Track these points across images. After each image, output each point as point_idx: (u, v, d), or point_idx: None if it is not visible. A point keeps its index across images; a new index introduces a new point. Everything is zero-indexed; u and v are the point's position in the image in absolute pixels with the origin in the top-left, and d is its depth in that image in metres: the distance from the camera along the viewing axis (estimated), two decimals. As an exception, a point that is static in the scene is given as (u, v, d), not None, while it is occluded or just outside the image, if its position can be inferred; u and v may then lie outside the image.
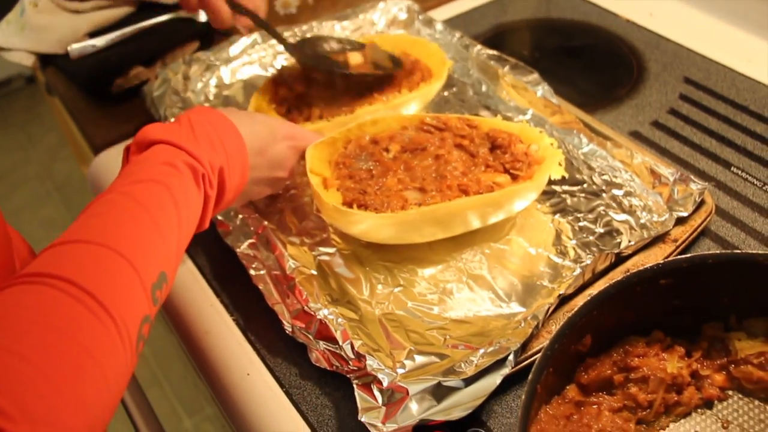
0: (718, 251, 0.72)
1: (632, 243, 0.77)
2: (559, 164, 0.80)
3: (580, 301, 0.74)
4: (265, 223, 0.82)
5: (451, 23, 1.21)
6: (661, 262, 0.65)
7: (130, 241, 0.54)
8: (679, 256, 0.66)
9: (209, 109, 0.71)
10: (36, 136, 3.08)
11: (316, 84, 0.95)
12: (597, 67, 1.13)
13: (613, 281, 0.63)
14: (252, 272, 0.78)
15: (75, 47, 1.10)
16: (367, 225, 0.75)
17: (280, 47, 1.11)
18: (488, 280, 0.77)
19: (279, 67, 1.08)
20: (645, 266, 0.64)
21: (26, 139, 3.06)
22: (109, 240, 0.53)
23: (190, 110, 0.70)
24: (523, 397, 0.56)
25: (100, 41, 1.10)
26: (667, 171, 0.83)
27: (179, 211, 0.60)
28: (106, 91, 1.10)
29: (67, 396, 0.45)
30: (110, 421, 0.52)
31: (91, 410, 0.47)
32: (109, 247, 0.53)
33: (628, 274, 0.64)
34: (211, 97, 1.05)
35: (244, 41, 1.10)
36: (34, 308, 0.48)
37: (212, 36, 1.18)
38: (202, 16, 1.10)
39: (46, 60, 1.20)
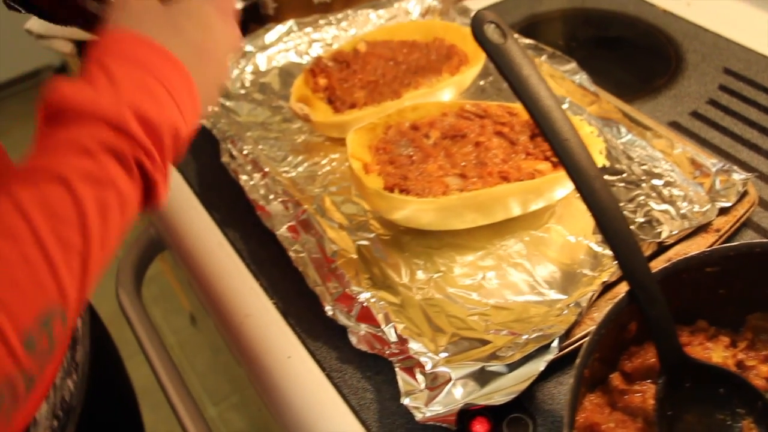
0: (765, 240, 0.71)
1: (674, 232, 0.77)
2: (600, 153, 0.80)
3: (622, 288, 0.73)
4: (305, 206, 0.82)
5: (486, 12, 1.20)
6: (708, 249, 0.64)
7: None
8: (725, 245, 0.65)
9: (119, 38, 0.53)
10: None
11: (355, 71, 0.95)
12: (633, 58, 1.12)
13: (660, 268, 0.62)
14: (292, 255, 0.78)
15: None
16: (409, 210, 0.75)
17: (316, 35, 1.11)
18: (527, 267, 0.77)
19: (315, 56, 1.08)
20: (691, 254, 0.64)
21: (54, 129, 3.09)
22: None
23: (99, 48, 0.52)
24: (572, 381, 0.56)
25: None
26: (708, 161, 0.83)
27: (85, 218, 0.46)
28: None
29: None
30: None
31: None
32: None
33: (675, 260, 0.63)
34: (248, 84, 1.05)
35: (279, 29, 1.10)
36: None
37: (247, 24, 1.18)
38: (239, 4, 1.10)
39: (83, 47, 1.21)
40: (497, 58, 0.60)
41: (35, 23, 1.19)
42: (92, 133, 0.48)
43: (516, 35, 1.04)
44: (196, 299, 1.24)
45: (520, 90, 0.60)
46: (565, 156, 0.59)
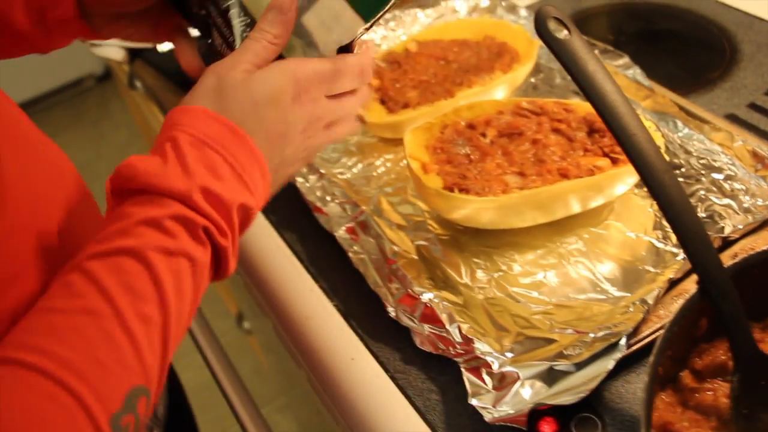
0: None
1: (738, 227, 0.75)
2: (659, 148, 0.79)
3: (688, 284, 0.72)
4: (363, 207, 0.82)
5: (533, 9, 1.19)
6: (780, 244, 0.63)
7: (78, 359, 0.43)
8: (797, 238, 0.64)
9: (195, 113, 0.53)
10: (107, 133, 3.15)
11: (406, 71, 0.95)
12: (686, 51, 1.11)
13: (731, 263, 0.61)
14: (352, 256, 0.78)
15: (163, 40, 1.12)
16: (470, 209, 0.75)
17: (365, 36, 1.11)
18: (588, 265, 0.76)
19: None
20: (762, 248, 0.62)
21: (98, 136, 3.14)
22: (48, 361, 0.42)
23: (173, 126, 0.52)
24: (646, 379, 0.55)
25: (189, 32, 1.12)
26: (771, 153, 0.81)
27: (163, 292, 0.47)
28: (195, 82, 1.11)
29: None
30: None
31: None
32: (45, 372, 0.42)
33: (747, 256, 0.62)
34: (298, 87, 1.06)
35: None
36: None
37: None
38: None
39: (133, 54, 1.23)
40: (562, 54, 0.60)
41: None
42: (163, 208, 0.48)
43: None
44: (245, 301, 1.25)
45: (586, 86, 0.59)
46: (633, 150, 0.58)
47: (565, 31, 0.61)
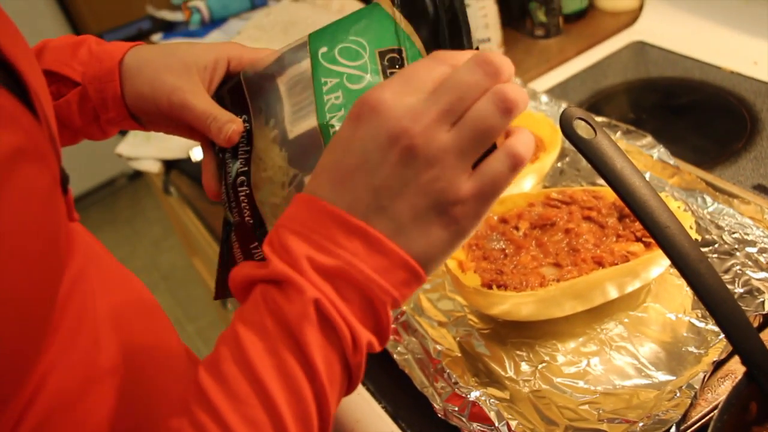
0: None
1: (778, 302, 0.76)
2: (690, 227, 0.80)
3: (734, 365, 0.72)
4: (404, 307, 0.84)
5: (552, 93, 1.23)
6: (821, 322, 0.63)
7: None
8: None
9: (299, 214, 0.47)
10: (141, 230, 3.22)
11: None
12: (707, 123, 1.13)
13: (775, 345, 0.62)
14: (396, 357, 0.79)
15: (196, 152, 1.16)
16: (509, 305, 0.76)
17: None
18: (631, 349, 0.77)
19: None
20: (804, 328, 0.63)
21: (132, 233, 3.21)
22: None
23: (281, 235, 0.46)
24: (701, 473, 0.55)
25: (220, 143, 1.16)
26: (802, 225, 0.82)
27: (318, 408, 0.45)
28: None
29: None
30: None
31: None
32: None
33: (789, 337, 0.62)
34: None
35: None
36: None
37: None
38: None
39: (169, 164, 1.27)
40: (589, 153, 0.62)
41: (125, 148, 1.26)
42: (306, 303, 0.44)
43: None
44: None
45: (615, 183, 0.61)
46: (667, 243, 0.59)
47: (590, 129, 0.63)
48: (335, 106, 0.57)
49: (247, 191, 0.62)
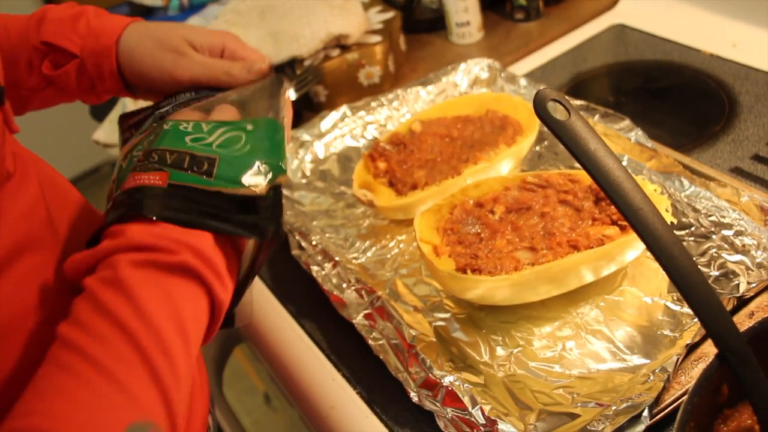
0: None
1: (753, 285, 0.76)
2: (666, 210, 0.79)
3: (707, 348, 0.72)
4: (379, 292, 0.83)
5: (532, 77, 1.22)
6: (793, 304, 0.63)
7: (71, 412, 0.46)
8: (810, 297, 0.64)
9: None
10: (125, 219, 3.19)
11: (413, 152, 0.97)
12: (686, 106, 1.12)
13: (747, 328, 0.62)
14: (371, 343, 0.79)
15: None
16: (483, 289, 0.76)
17: (369, 117, 1.14)
18: (606, 333, 0.77)
19: (370, 138, 1.11)
20: (776, 310, 0.63)
21: (117, 222, 3.18)
22: (43, 416, 0.46)
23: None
24: (671, 455, 0.55)
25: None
26: (778, 207, 0.82)
27: (139, 343, 0.49)
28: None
29: None
30: None
31: None
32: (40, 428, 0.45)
33: (761, 320, 0.62)
34: (308, 173, 1.08)
35: (333, 115, 1.13)
36: None
37: (301, 113, 1.22)
38: (293, 95, 1.14)
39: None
40: (563, 135, 0.61)
41: (101, 134, 1.25)
42: (118, 263, 0.52)
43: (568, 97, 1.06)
44: (271, 382, 1.26)
45: (588, 165, 0.61)
46: (640, 226, 0.59)
47: (564, 111, 0.63)
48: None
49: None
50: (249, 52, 0.75)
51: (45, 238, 0.58)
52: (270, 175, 0.60)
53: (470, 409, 0.69)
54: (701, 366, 0.71)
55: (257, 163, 0.60)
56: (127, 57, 0.74)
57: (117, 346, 0.49)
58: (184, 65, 0.73)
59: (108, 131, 1.25)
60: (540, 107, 0.63)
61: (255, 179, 0.59)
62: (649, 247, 0.59)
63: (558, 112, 0.63)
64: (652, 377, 0.69)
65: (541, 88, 0.64)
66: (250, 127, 0.64)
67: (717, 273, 0.79)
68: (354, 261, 0.91)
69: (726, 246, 0.81)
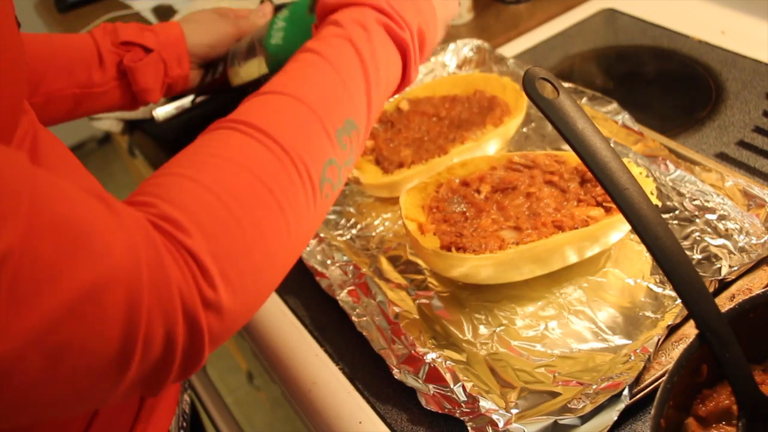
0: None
1: (735, 268, 0.76)
2: (651, 193, 0.80)
3: (688, 329, 0.73)
4: (363, 269, 0.83)
5: (521, 59, 1.22)
6: (774, 287, 0.64)
7: (311, 90, 0.59)
8: (791, 280, 0.65)
9: None
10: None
11: (400, 130, 0.97)
12: (673, 91, 1.13)
13: (727, 309, 0.62)
14: (355, 319, 0.79)
15: (159, 111, 1.14)
16: (467, 267, 0.76)
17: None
18: (589, 314, 0.77)
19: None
20: (757, 292, 0.63)
21: (101, 198, 3.16)
22: (291, 89, 0.58)
23: None
24: (649, 433, 0.55)
25: (183, 103, 1.14)
26: (762, 192, 0.82)
27: (364, 62, 0.63)
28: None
29: (239, 216, 0.49)
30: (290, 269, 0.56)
31: (267, 238, 0.50)
32: (291, 95, 0.57)
33: (741, 301, 0.63)
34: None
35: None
36: (213, 145, 0.53)
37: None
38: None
39: (131, 125, 1.25)
40: (551, 113, 0.61)
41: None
42: (365, 13, 0.66)
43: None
44: (252, 361, 1.26)
45: (576, 144, 0.61)
46: (625, 205, 0.59)
47: (553, 90, 0.63)
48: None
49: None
50: (245, 10, 1.08)
51: None
52: None
53: (452, 386, 0.70)
54: (682, 347, 0.72)
55: None
56: (194, 37, 1.00)
57: (350, 59, 0.62)
58: (239, 23, 1.05)
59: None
60: (529, 85, 0.63)
61: None
62: (634, 227, 0.59)
63: (547, 91, 0.63)
64: (633, 357, 0.70)
65: (531, 67, 0.64)
66: None
67: (700, 256, 0.80)
68: (339, 238, 0.91)
69: (709, 230, 0.82)
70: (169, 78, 0.99)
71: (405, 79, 0.71)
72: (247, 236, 0.49)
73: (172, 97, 1.20)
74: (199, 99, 1.14)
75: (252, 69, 1.01)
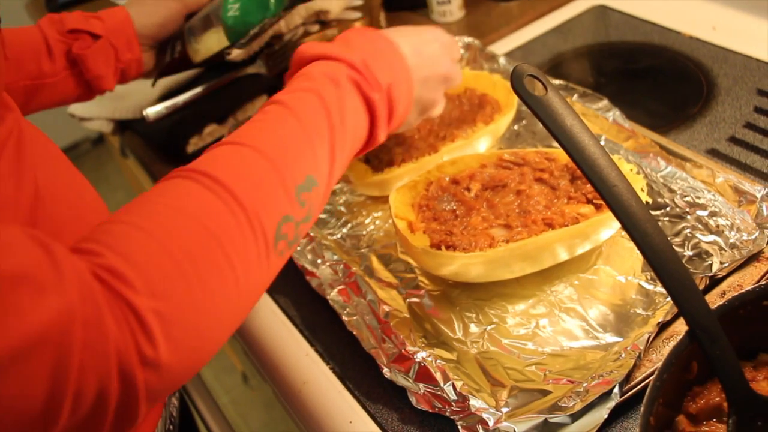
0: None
1: (725, 264, 0.76)
2: (642, 190, 0.80)
3: (679, 326, 0.73)
4: (354, 268, 0.83)
5: (512, 56, 1.22)
6: (764, 283, 0.63)
7: (275, 144, 0.58)
8: (780, 276, 0.65)
9: (362, 28, 0.76)
10: (104, 195, 3.16)
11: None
12: (664, 87, 1.12)
13: (716, 306, 0.62)
14: (345, 318, 0.79)
15: (150, 111, 1.13)
16: (457, 265, 0.75)
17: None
18: (580, 311, 0.77)
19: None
20: (747, 288, 0.63)
21: (95, 199, 3.16)
22: (255, 141, 0.58)
23: (346, 31, 0.75)
24: (638, 431, 0.55)
25: (173, 102, 1.14)
26: (752, 188, 0.82)
27: (331, 119, 0.63)
28: (183, 150, 1.13)
29: (188, 272, 0.48)
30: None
31: (214, 295, 0.49)
32: (254, 147, 0.57)
33: (731, 297, 0.62)
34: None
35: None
36: (169, 195, 0.52)
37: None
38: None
39: (122, 125, 1.25)
40: (539, 110, 0.61)
41: (77, 107, 1.23)
42: (335, 68, 0.67)
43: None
44: (246, 362, 1.26)
45: (564, 141, 0.61)
46: (614, 202, 0.59)
47: (542, 87, 0.63)
48: None
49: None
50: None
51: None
52: None
53: (442, 385, 0.69)
54: (672, 344, 0.71)
55: None
56: (141, 18, 0.99)
57: (317, 115, 0.62)
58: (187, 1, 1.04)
59: (84, 104, 1.24)
60: (517, 82, 0.63)
61: None
62: (623, 224, 0.59)
63: (536, 89, 0.63)
64: (623, 355, 0.69)
65: (519, 64, 0.63)
66: None
67: (691, 253, 0.80)
68: (329, 237, 0.91)
69: (700, 226, 0.82)
70: (121, 63, 0.99)
71: (372, 139, 0.71)
72: (193, 293, 0.48)
73: (162, 96, 1.20)
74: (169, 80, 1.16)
75: (211, 43, 1.01)
